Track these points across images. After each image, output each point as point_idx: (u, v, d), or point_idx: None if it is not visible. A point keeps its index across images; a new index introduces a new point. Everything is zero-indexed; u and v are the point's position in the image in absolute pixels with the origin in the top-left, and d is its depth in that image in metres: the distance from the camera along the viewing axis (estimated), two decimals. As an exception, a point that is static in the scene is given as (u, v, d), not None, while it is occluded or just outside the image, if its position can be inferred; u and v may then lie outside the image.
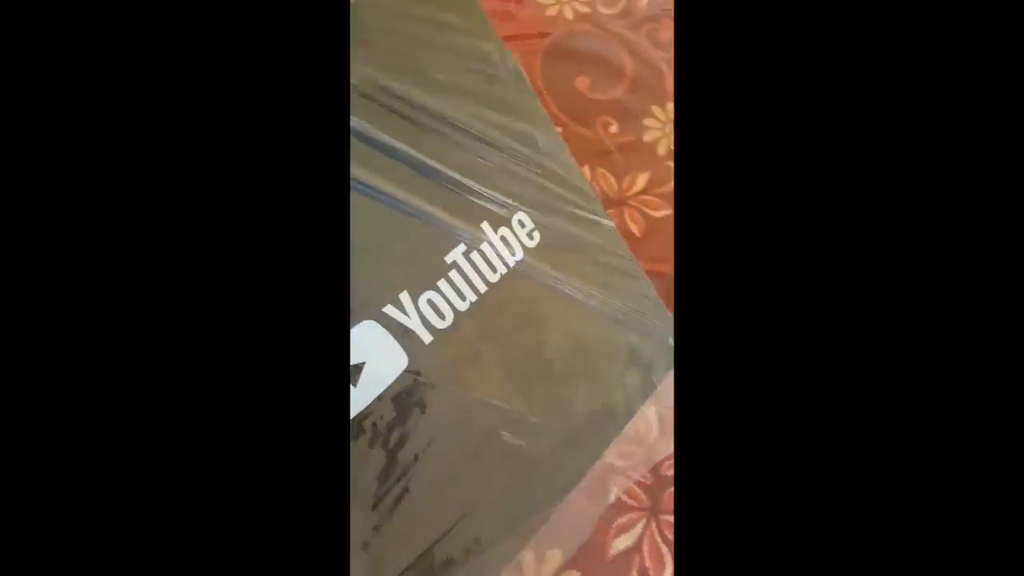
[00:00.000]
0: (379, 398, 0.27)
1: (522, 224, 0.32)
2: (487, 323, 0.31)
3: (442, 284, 0.30)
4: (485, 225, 0.31)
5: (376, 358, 0.28)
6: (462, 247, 0.30)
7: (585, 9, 0.53)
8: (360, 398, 0.27)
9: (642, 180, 0.48)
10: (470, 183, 0.31)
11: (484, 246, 0.31)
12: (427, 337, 0.29)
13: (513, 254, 0.32)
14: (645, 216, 0.47)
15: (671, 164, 0.49)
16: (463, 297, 0.30)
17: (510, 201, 0.32)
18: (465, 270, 0.30)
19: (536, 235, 0.33)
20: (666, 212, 0.47)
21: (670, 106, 0.51)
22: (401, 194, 0.29)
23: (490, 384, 0.31)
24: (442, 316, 0.30)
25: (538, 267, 0.33)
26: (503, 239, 0.32)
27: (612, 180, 0.48)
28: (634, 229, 0.46)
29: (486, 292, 0.31)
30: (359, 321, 0.27)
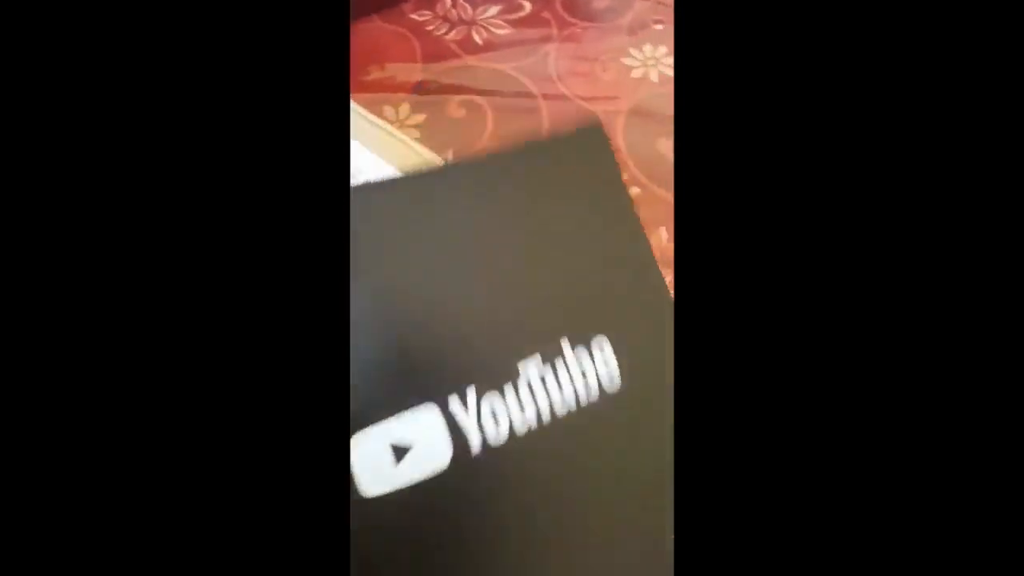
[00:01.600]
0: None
1: (602, 349, 0.32)
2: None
3: (507, 391, 0.29)
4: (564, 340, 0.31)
5: (425, 442, 0.27)
6: (537, 358, 0.30)
7: (669, 72, 0.53)
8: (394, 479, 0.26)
9: None
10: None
11: (558, 362, 0.30)
12: (476, 447, 0.28)
13: (585, 382, 0.31)
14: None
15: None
16: (523, 413, 0.29)
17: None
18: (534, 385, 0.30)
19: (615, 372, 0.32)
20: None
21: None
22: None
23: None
24: (497, 429, 0.29)
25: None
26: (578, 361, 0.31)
27: None
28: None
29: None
30: (420, 404, 0.27)
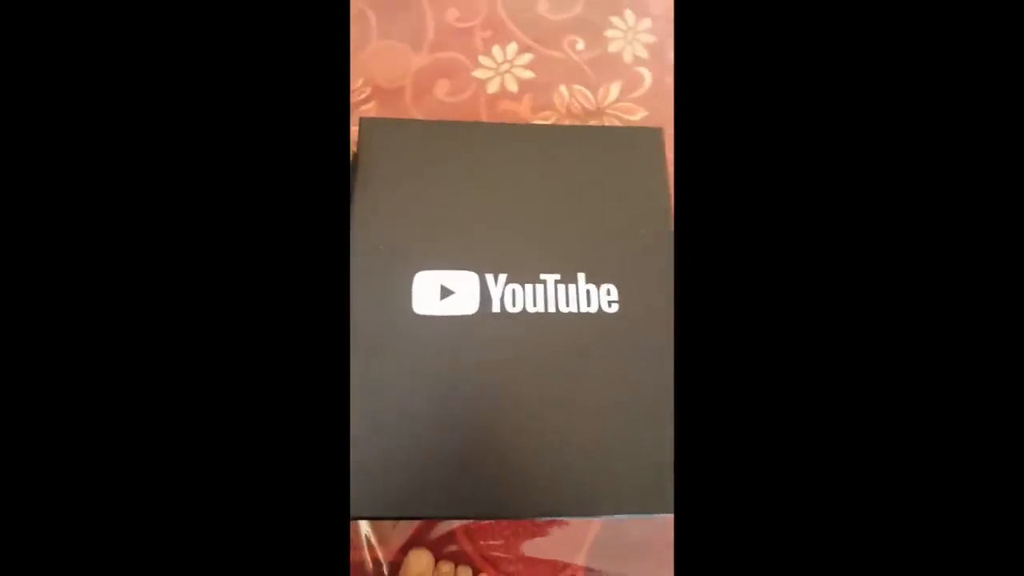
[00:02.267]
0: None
1: (609, 292, 0.43)
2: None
3: (527, 287, 0.42)
4: (581, 275, 0.43)
5: (463, 293, 0.41)
6: (557, 276, 0.43)
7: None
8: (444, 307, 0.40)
9: (615, 89, 0.55)
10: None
11: (571, 286, 0.43)
12: (496, 308, 0.41)
13: (589, 305, 0.43)
14: (623, 122, 0.54)
15: (640, 70, 0.55)
16: (535, 304, 0.42)
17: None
18: (548, 290, 0.42)
19: (615, 306, 0.43)
20: (642, 115, 0.53)
21: (629, 13, 0.57)
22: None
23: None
24: (514, 305, 0.41)
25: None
26: (588, 292, 0.43)
27: (588, 94, 0.55)
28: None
29: (552, 313, 0.42)
30: (465, 268, 0.41)
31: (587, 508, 0.38)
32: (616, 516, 0.39)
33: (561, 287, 0.42)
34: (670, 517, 0.43)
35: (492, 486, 0.37)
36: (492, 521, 0.46)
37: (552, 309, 0.42)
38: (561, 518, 0.42)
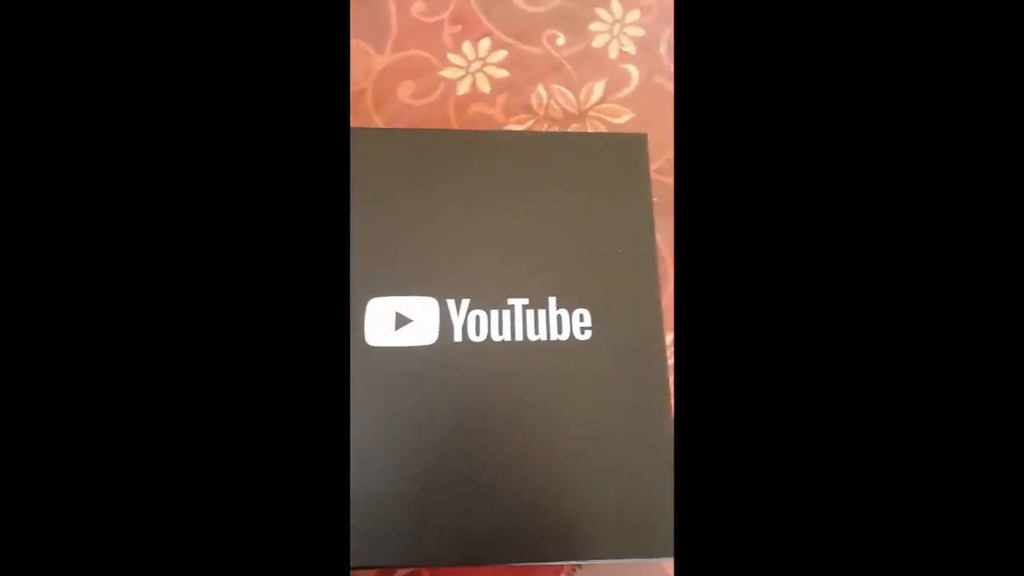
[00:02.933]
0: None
1: (582, 318, 0.40)
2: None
3: (493, 313, 0.39)
4: (552, 300, 0.40)
5: (421, 322, 0.37)
6: (525, 300, 0.39)
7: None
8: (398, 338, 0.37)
9: (599, 89, 0.51)
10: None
11: (541, 312, 0.39)
12: (458, 337, 0.38)
13: (560, 333, 0.39)
14: (608, 126, 0.50)
15: (626, 67, 0.51)
16: (501, 332, 0.38)
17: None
18: (516, 316, 0.39)
19: (588, 333, 0.40)
20: (628, 117, 0.49)
21: (615, 4, 0.52)
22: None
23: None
24: (477, 333, 0.38)
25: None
26: (559, 318, 0.39)
27: (569, 94, 0.51)
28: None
29: (519, 342, 0.38)
30: (424, 294, 0.38)
31: (567, 553, 0.35)
32: (597, 561, 0.37)
33: (530, 313, 0.39)
34: (649, 562, 0.40)
35: (457, 533, 0.34)
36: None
37: (520, 337, 0.38)
38: (537, 564, 0.39)
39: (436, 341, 0.37)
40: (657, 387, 0.38)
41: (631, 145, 0.44)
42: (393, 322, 0.37)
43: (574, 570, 0.41)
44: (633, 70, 0.52)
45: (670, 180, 0.50)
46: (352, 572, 0.42)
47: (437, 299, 0.38)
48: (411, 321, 0.37)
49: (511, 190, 0.41)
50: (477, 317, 0.38)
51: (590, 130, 0.50)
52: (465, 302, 0.38)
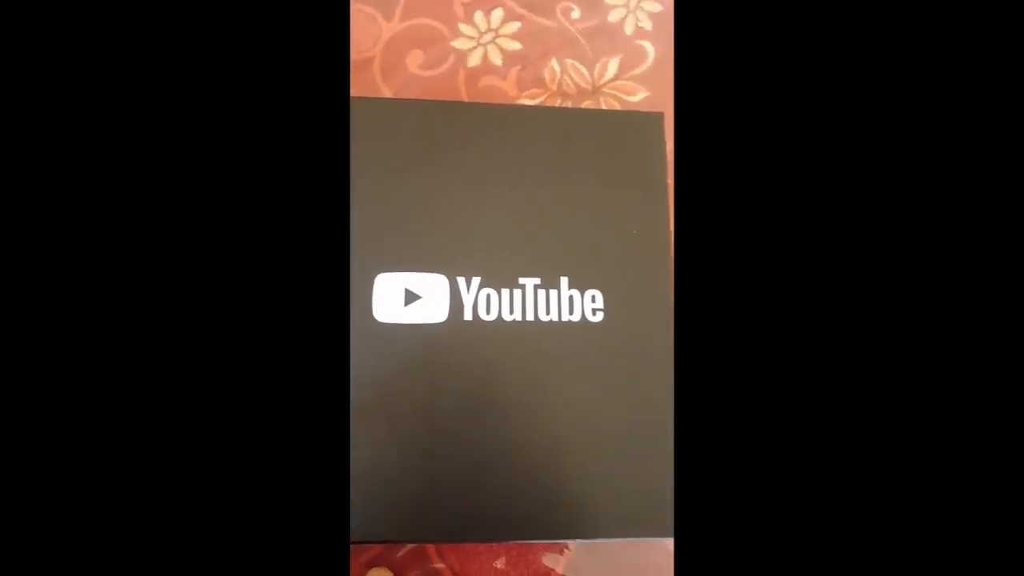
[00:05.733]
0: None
1: (593, 299, 0.39)
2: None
3: (504, 292, 0.38)
4: (564, 280, 0.39)
5: (431, 299, 0.36)
6: (537, 280, 0.38)
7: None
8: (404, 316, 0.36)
9: (613, 65, 0.50)
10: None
11: (552, 292, 0.38)
12: (468, 315, 0.37)
13: (571, 314, 0.38)
14: (622, 103, 0.49)
15: (642, 44, 0.50)
16: (512, 312, 0.37)
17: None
18: (527, 296, 0.38)
19: (600, 315, 0.39)
20: (642, 95, 0.48)
21: None
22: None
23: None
24: (487, 312, 0.37)
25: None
26: (571, 298, 0.39)
27: (583, 70, 0.50)
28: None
29: (531, 322, 0.38)
30: (433, 271, 0.37)
31: (571, 531, 0.35)
32: (607, 540, 0.36)
33: (541, 292, 0.38)
34: (654, 541, 0.40)
35: (468, 510, 0.34)
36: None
37: (531, 317, 0.37)
38: (546, 542, 0.38)
39: (446, 319, 0.36)
40: (666, 372, 0.38)
41: (648, 124, 0.43)
42: (402, 298, 0.36)
43: (566, 547, 0.40)
44: (649, 47, 0.51)
45: (684, 161, 0.49)
46: (354, 546, 0.42)
47: (447, 276, 0.37)
48: (420, 298, 0.36)
49: (523, 167, 0.40)
50: (488, 296, 0.37)
51: (604, 107, 0.49)
52: (476, 280, 0.37)
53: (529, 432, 0.35)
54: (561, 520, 0.35)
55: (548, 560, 0.40)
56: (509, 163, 0.40)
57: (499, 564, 0.40)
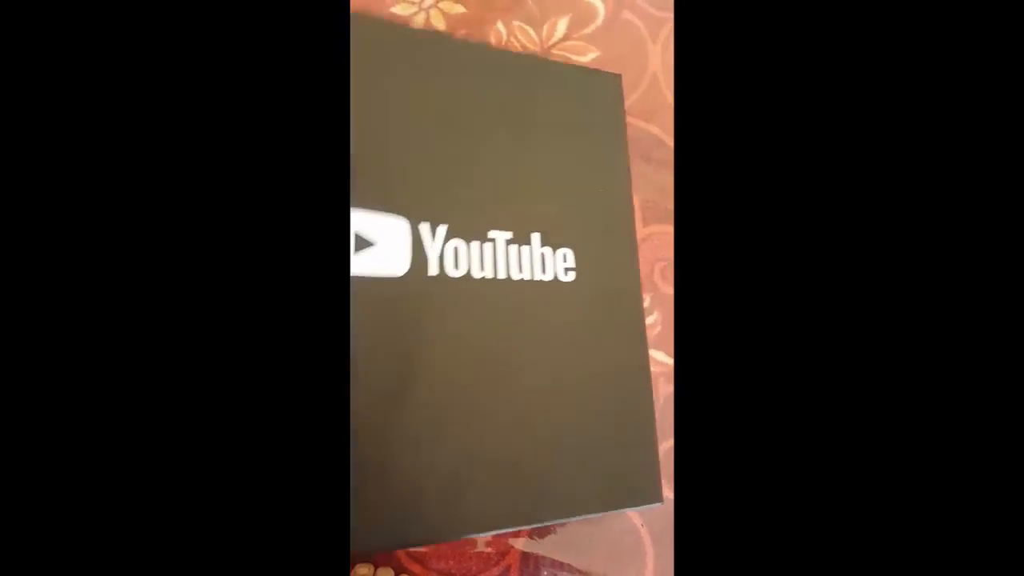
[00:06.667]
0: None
1: (565, 258, 0.35)
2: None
3: (473, 245, 0.33)
4: (535, 236, 0.35)
5: (388, 247, 0.30)
6: (508, 234, 0.34)
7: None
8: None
9: (562, 25, 0.47)
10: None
11: (524, 248, 0.34)
12: (433, 270, 0.31)
13: (544, 272, 0.34)
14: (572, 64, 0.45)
15: (591, 2, 0.47)
16: (483, 268, 0.32)
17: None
18: (498, 251, 0.33)
19: (572, 274, 0.35)
20: (593, 55, 0.45)
21: None
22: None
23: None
24: (456, 267, 0.32)
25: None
26: (543, 256, 0.34)
27: (530, 31, 0.46)
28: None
29: (502, 280, 0.33)
30: (392, 212, 0.31)
31: (561, 510, 0.30)
32: (587, 516, 0.32)
33: (513, 248, 0.33)
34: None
35: (448, 507, 0.28)
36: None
37: (502, 275, 0.32)
38: (530, 527, 0.32)
39: (407, 272, 0.30)
40: (637, 335, 0.35)
41: (607, 84, 0.41)
42: (352, 244, 0.30)
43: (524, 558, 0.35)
44: (599, 4, 0.49)
45: (639, 122, 0.47)
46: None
47: (409, 220, 0.31)
48: (373, 245, 0.30)
49: (491, 112, 0.36)
50: (456, 248, 0.32)
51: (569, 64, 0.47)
52: (442, 228, 0.32)
53: (506, 408, 0.30)
54: (548, 502, 0.31)
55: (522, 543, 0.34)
56: (477, 108, 0.35)
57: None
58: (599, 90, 0.40)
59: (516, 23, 0.47)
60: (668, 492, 0.38)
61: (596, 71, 0.41)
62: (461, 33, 0.47)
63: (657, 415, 0.37)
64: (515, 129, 0.36)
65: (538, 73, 0.38)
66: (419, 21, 0.46)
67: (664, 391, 0.41)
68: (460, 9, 0.47)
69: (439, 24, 0.47)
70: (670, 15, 0.51)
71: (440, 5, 0.47)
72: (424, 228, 0.31)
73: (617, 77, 0.41)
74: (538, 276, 0.33)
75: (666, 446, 0.39)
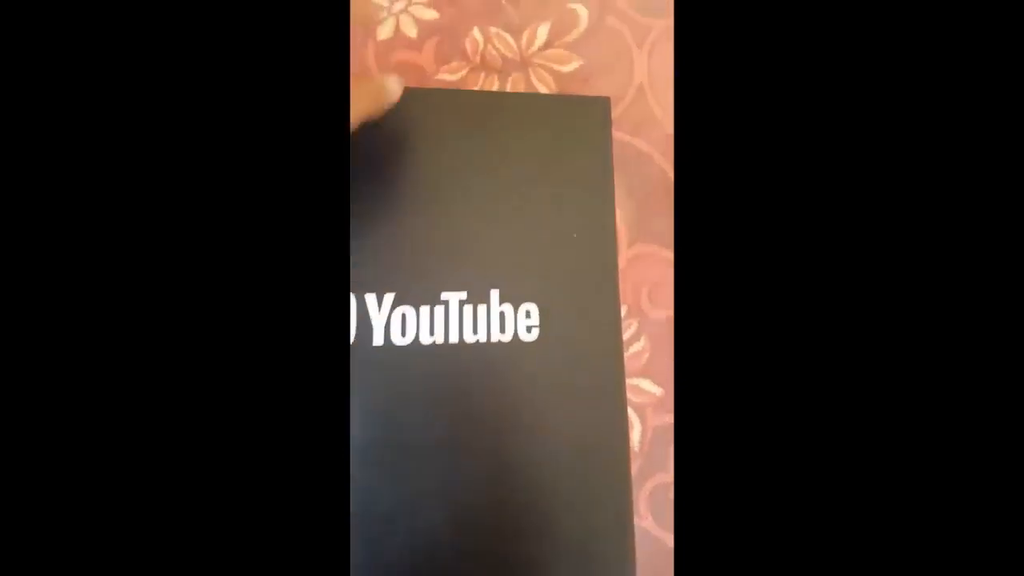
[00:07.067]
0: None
1: (528, 315, 0.34)
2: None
3: (423, 310, 0.32)
4: (494, 293, 0.33)
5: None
6: (463, 294, 0.32)
7: None
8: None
9: (543, 32, 0.44)
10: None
11: (481, 308, 0.33)
12: (378, 339, 0.30)
13: (503, 332, 0.33)
14: (554, 74, 0.43)
15: (574, 7, 0.44)
16: (432, 333, 0.32)
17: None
18: (451, 313, 0.32)
19: (535, 332, 0.33)
20: (576, 64, 0.42)
21: None
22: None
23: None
24: (403, 335, 0.31)
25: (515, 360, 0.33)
26: (502, 315, 0.33)
27: (508, 39, 0.44)
28: (544, 91, 0.42)
29: (453, 344, 0.32)
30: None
31: None
32: None
33: (468, 309, 0.32)
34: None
35: None
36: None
37: (454, 339, 0.32)
38: None
39: (352, 344, 0.30)
40: (615, 397, 0.33)
41: (591, 110, 0.38)
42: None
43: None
44: (582, 10, 0.45)
45: (624, 136, 0.44)
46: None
47: (354, 293, 0.31)
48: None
49: (446, 161, 0.34)
50: (403, 315, 0.31)
51: (534, 80, 0.43)
52: (388, 297, 0.31)
53: (460, 490, 0.30)
54: None
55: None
56: (429, 158, 0.34)
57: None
58: (582, 120, 0.37)
59: (494, 30, 0.44)
60: (661, 532, 0.38)
61: (577, 97, 0.38)
62: (433, 41, 0.44)
63: (646, 447, 0.37)
64: (474, 177, 0.33)
65: (506, 108, 0.35)
66: (388, 28, 0.43)
67: (652, 422, 0.40)
68: (433, 14, 0.44)
69: (410, 31, 0.44)
70: (657, 21, 0.46)
71: (411, 10, 0.44)
72: (370, 299, 0.30)
73: (604, 101, 0.38)
74: (496, 337, 0.32)
75: (653, 483, 0.38)
